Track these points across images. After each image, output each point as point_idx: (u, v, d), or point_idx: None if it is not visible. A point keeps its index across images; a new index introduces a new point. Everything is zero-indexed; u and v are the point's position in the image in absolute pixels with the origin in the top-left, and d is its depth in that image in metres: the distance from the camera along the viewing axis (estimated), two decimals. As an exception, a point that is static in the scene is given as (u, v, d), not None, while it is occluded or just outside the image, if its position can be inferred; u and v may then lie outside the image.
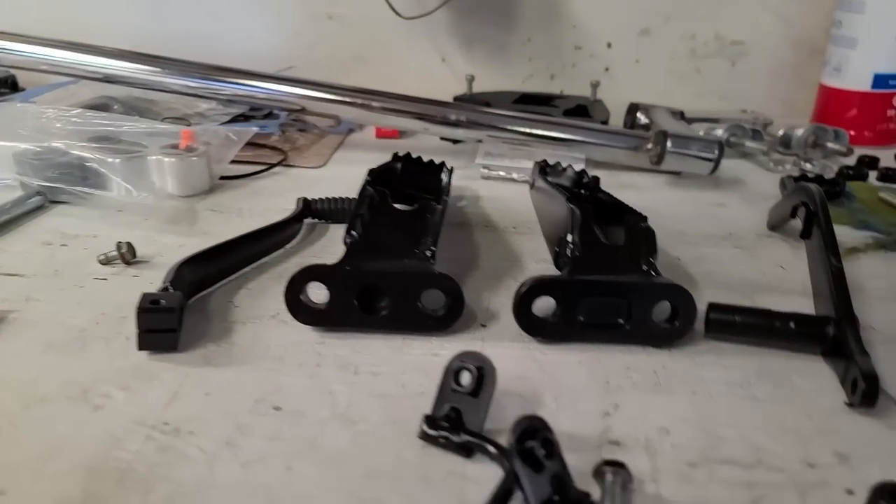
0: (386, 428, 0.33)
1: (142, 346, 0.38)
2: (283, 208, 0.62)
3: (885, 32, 0.83)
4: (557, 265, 0.45)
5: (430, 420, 0.32)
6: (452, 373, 0.32)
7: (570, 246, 0.42)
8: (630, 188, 0.73)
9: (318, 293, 0.41)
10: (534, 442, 0.27)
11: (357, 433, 0.33)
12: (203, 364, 0.38)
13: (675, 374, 0.39)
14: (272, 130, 0.83)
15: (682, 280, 0.50)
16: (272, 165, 0.74)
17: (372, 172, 0.52)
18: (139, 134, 0.69)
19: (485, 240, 0.58)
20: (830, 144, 0.80)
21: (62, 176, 0.61)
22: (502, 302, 0.46)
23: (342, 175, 0.74)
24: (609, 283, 0.40)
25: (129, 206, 0.60)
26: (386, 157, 0.64)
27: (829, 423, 0.34)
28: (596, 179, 0.64)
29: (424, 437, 0.32)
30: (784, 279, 0.51)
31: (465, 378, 0.33)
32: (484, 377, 0.32)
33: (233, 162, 0.70)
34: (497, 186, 0.72)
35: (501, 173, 0.74)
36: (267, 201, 0.65)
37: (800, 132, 0.83)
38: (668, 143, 0.69)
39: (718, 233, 0.61)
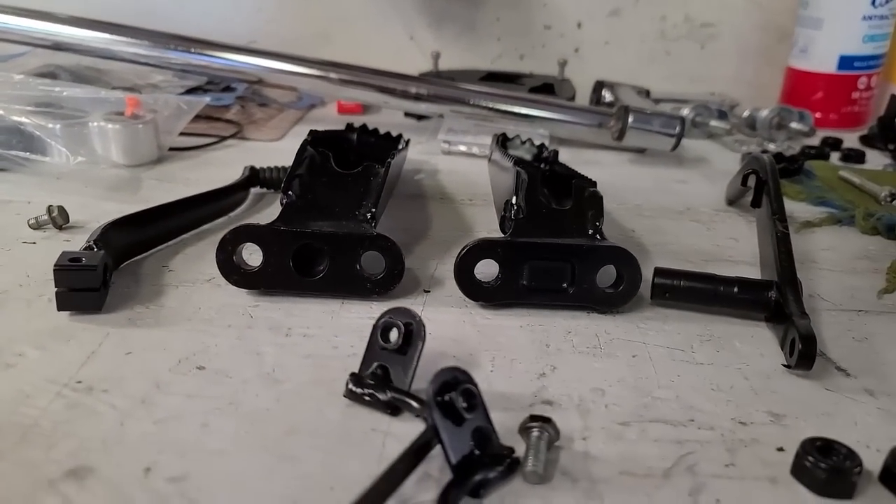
0: (311, 387, 0.32)
1: (61, 306, 0.36)
2: (234, 178, 0.60)
3: (851, 13, 0.83)
4: (502, 229, 0.44)
5: (356, 378, 0.31)
6: (380, 329, 0.31)
7: (514, 208, 0.40)
8: (593, 164, 0.72)
9: (253, 256, 0.40)
10: (454, 394, 0.26)
11: (281, 392, 0.32)
12: (127, 325, 0.36)
13: (616, 337, 0.38)
14: (227, 102, 0.80)
15: (634, 250, 0.49)
16: (225, 137, 0.72)
17: (314, 133, 0.51)
18: (83, 100, 0.66)
19: (438, 211, 0.57)
20: (794, 125, 0.79)
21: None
22: (448, 269, 0.45)
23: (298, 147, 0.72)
24: (552, 246, 0.39)
25: (69, 173, 0.58)
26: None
27: (766, 384, 0.34)
28: (555, 153, 0.63)
29: (350, 395, 0.31)
30: (736, 250, 0.51)
31: (394, 335, 0.31)
32: (412, 334, 0.31)
33: (185, 134, 0.69)
34: (457, 161, 0.71)
35: (462, 148, 0.72)
36: (216, 172, 0.63)
37: (764, 113, 0.83)
38: (630, 119, 0.68)
39: (676, 207, 0.60)
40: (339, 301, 0.40)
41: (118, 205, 0.53)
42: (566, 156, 0.75)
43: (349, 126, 0.64)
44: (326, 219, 0.41)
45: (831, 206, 0.60)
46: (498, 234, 0.48)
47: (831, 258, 0.50)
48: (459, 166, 0.69)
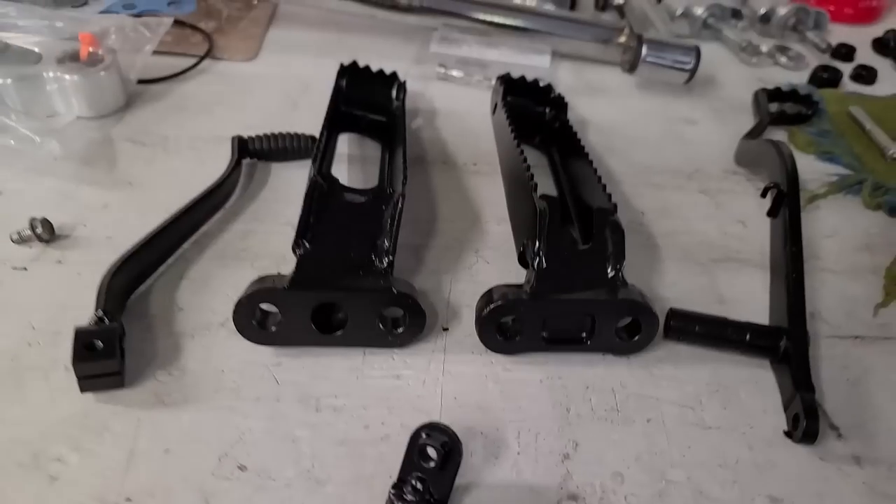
0: (353, 489, 0.34)
1: (84, 388, 0.36)
2: (215, 135, 0.56)
3: None
4: (521, 262, 0.43)
5: (398, 491, 0.32)
6: (417, 449, 0.32)
7: (536, 258, 0.39)
8: (598, 93, 0.68)
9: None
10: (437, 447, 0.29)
11: (326, 498, 0.33)
12: (155, 404, 0.37)
13: (632, 392, 0.39)
14: (189, 9, 0.71)
15: (646, 247, 0.50)
16: (197, 62, 0.65)
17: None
18: (26, 31, 0.58)
19: (443, 185, 0.54)
20: (810, 34, 0.74)
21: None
22: (463, 290, 0.45)
23: (277, 71, 0.66)
24: (574, 302, 0.39)
25: (35, 143, 0.53)
26: (326, 37, 0.59)
27: (768, 456, 0.37)
28: (562, 104, 0.59)
29: (392, 507, 0.33)
30: (744, 241, 0.51)
31: (432, 452, 0.32)
32: (450, 452, 0.32)
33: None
34: (454, 93, 0.66)
35: (459, 74, 0.67)
36: (195, 123, 0.58)
37: (782, 11, 0.77)
38: (643, 50, 0.63)
39: (685, 168, 0.58)
40: (360, 353, 0.40)
41: (98, 191, 0.50)
42: (569, 76, 0.70)
43: (341, 69, 0.59)
44: (343, 269, 0.39)
45: (839, 162, 0.60)
46: (506, 232, 0.48)
47: (833, 250, 0.51)
48: (457, 104, 0.64)
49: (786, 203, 0.45)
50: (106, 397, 0.37)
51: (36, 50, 0.56)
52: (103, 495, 0.33)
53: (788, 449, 0.37)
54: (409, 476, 0.33)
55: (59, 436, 0.35)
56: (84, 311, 0.40)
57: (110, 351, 0.36)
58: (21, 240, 0.45)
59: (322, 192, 0.41)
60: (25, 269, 0.44)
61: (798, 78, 0.73)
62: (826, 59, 0.76)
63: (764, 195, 0.48)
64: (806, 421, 0.36)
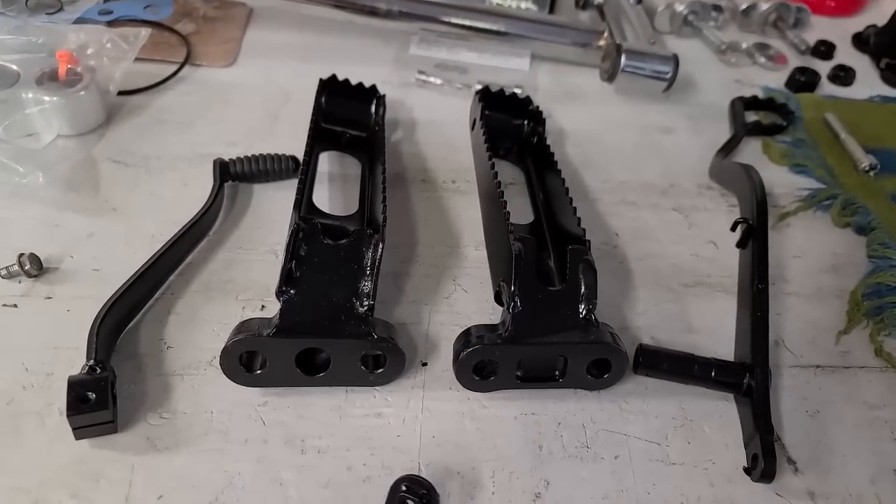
0: (337, 534, 0.36)
1: (79, 436, 0.38)
2: (197, 153, 0.57)
3: None
4: (497, 301, 0.45)
5: (378, 538, 0.35)
6: (398, 500, 0.34)
7: (511, 302, 0.41)
8: (576, 98, 0.69)
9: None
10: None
11: (310, 543, 0.36)
12: (148, 450, 0.38)
13: (602, 428, 0.42)
14: (166, 15, 0.70)
15: (618, 272, 0.51)
16: (175, 71, 0.65)
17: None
18: (2, 48, 0.57)
19: (422, 205, 0.55)
20: (790, 34, 0.75)
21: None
22: (441, 322, 0.47)
23: (256, 79, 0.66)
24: (548, 344, 0.41)
25: (10, 161, 0.52)
26: (304, 40, 0.59)
27: (727, 492, 0.39)
28: (540, 118, 0.60)
29: (373, 552, 0.35)
30: (714, 263, 0.52)
31: (411, 502, 0.35)
32: (428, 502, 0.34)
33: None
34: (434, 101, 0.66)
35: (438, 81, 0.67)
36: (176, 139, 0.58)
37: (763, 6, 0.77)
38: (622, 60, 0.63)
39: (660, 183, 0.60)
40: (343, 391, 0.42)
41: (83, 218, 0.51)
42: (547, 78, 0.71)
43: (321, 84, 0.59)
44: (325, 313, 0.40)
45: (811, 175, 0.61)
46: (481, 260, 0.49)
47: (800, 271, 0.53)
48: (437, 113, 0.65)
49: (754, 237, 0.47)
50: (100, 442, 0.38)
51: (14, 68, 0.56)
52: (102, 545, 0.35)
53: (747, 485, 0.40)
54: (389, 523, 0.35)
55: (57, 483, 0.36)
56: (75, 351, 0.41)
57: (103, 401, 0.37)
58: (10, 275, 0.46)
59: (305, 236, 0.42)
60: (16, 305, 0.45)
61: (776, 79, 0.74)
62: (806, 59, 0.76)
63: (734, 229, 0.50)
64: (764, 461, 0.38)
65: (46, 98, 0.54)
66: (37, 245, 0.47)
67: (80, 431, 0.38)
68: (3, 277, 0.46)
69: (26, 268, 0.45)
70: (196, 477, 0.37)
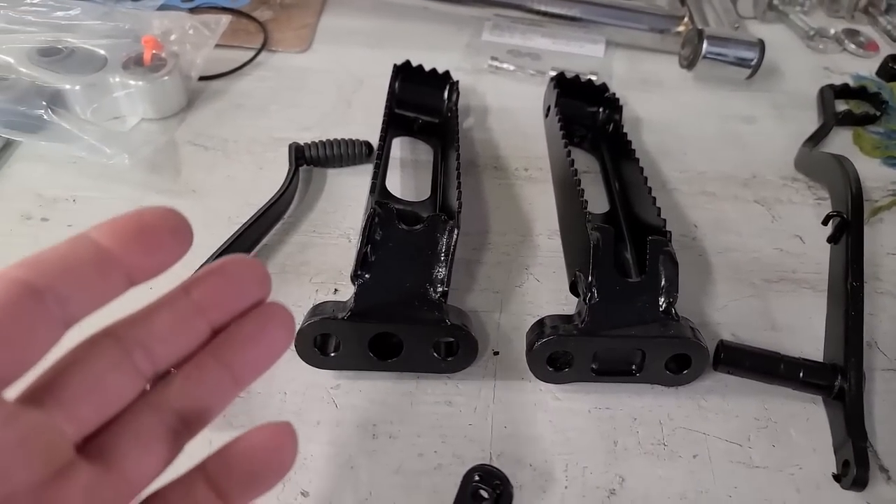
0: (408, 520, 0.36)
1: (161, 411, 0.39)
2: (272, 137, 0.58)
3: None
4: (573, 291, 0.44)
5: (451, 526, 0.35)
6: (470, 490, 0.34)
7: (588, 292, 0.40)
8: (653, 87, 0.66)
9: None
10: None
11: (382, 528, 0.36)
12: (225, 426, 0.39)
13: (679, 426, 0.40)
14: (243, 2, 0.71)
15: (697, 265, 0.49)
16: (253, 57, 0.66)
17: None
18: (91, 33, 0.59)
19: (494, 193, 0.54)
20: (881, 20, 0.70)
21: (11, 105, 0.53)
22: (513, 311, 0.46)
23: (330, 65, 0.67)
24: (625, 338, 0.40)
25: (98, 143, 0.54)
26: (377, 25, 0.60)
27: (815, 499, 0.37)
28: (616, 105, 0.58)
29: (445, 541, 0.35)
30: (800, 259, 0.50)
31: (484, 494, 0.34)
32: (501, 494, 0.34)
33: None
34: (507, 88, 0.65)
35: (511, 68, 0.66)
36: (253, 124, 0.59)
37: (853, -9, 0.73)
38: (704, 46, 0.61)
39: (741, 174, 0.57)
40: (415, 378, 0.42)
41: (166, 199, 0.52)
42: (624, 66, 0.69)
43: (395, 69, 0.59)
44: (399, 298, 0.40)
45: (906, 168, 0.57)
46: (557, 250, 0.48)
47: (895, 269, 0.50)
48: (510, 100, 0.64)
49: (849, 232, 0.44)
50: (180, 418, 0.39)
51: (101, 52, 0.57)
52: (182, 517, 0.35)
53: (835, 492, 0.38)
54: (462, 511, 0.35)
55: (139, 456, 0.38)
56: (156, 330, 0.42)
57: (183, 379, 0.38)
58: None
59: (380, 221, 0.42)
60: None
61: (868, 67, 0.70)
62: (901, 43, 0.72)
63: (826, 223, 0.47)
64: (856, 469, 0.36)
65: (132, 82, 0.56)
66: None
67: (161, 406, 0.39)
68: (90, 255, 0.47)
69: (112, 246, 0.47)
70: (271, 455, 0.38)
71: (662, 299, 0.41)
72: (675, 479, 0.38)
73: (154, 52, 0.57)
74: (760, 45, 0.61)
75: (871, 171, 0.58)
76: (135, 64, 0.57)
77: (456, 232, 0.42)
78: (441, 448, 0.39)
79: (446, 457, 0.38)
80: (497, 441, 0.39)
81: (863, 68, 0.70)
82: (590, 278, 0.40)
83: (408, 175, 0.56)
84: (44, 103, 0.53)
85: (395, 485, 0.37)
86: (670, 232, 0.43)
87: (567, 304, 0.46)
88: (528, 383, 0.42)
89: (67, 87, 0.55)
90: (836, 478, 0.38)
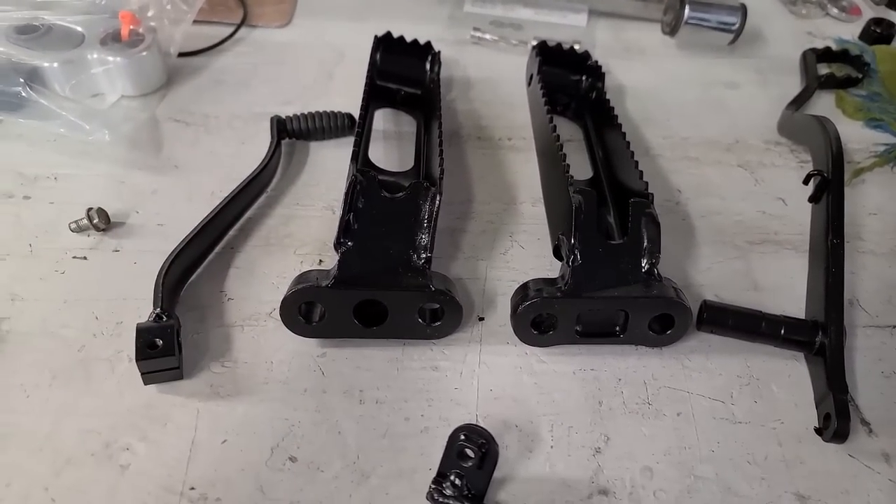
0: (396, 482, 0.36)
1: (147, 382, 0.39)
2: (253, 112, 0.57)
3: None
4: (556, 255, 0.44)
5: (437, 485, 0.35)
6: (456, 450, 0.34)
7: (571, 255, 0.40)
8: (636, 55, 0.66)
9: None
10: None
11: (370, 490, 0.36)
12: (212, 395, 0.39)
13: (663, 385, 0.41)
14: (224, -24, 0.70)
15: (680, 229, 0.50)
16: (232, 32, 0.65)
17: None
18: (68, 10, 0.59)
19: (478, 162, 0.54)
20: (866, -17, 0.70)
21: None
22: (498, 277, 0.46)
23: (310, 39, 0.66)
24: (608, 298, 0.40)
25: (78, 119, 0.54)
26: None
27: (797, 452, 0.38)
28: (599, 73, 0.58)
29: (432, 500, 0.35)
30: (783, 220, 0.50)
31: (470, 453, 0.34)
32: (487, 452, 0.34)
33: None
34: (489, 58, 0.65)
35: (493, 38, 0.66)
36: (233, 98, 0.59)
37: (836, -45, 0.73)
38: (685, 11, 0.60)
39: (724, 139, 0.57)
40: (400, 345, 0.42)
41: (147, 175, 0.52)
42: (607, 35, 0.69)
43: (375, 41, 0.58)
44: (383, 265, 0.40)
45: (887, 130, 0.58)
46: (540, 212, 0.48)
47: (877, 229, 0.50)
48: (492, 70, 0.63)
49: (829, 190, 0.45)
50: (167, 388, 0.39)
51: (79, 29, 0.57)
52: (170, 484, 0.36)
53: (818, 445, 0.38)
54: (448, 472, 0.35)
55: (127, 427, 0.38)
56: (142, 301, 0.42)
57: (170, 348, 0.38)
58: (79, 229, 0.47)
59: (363, 189, 0.42)
60: (85, 258, 0.46)
61: (851, 31, 0.70)
62: (881, 10, 0.72)
63: (807, 182, 0.47)
64: (837, 422, 0.37)
65: (110, 58, 0.55)
66: (104, 201, 0.48)
67: (148, 377, 0.39)
68: (73, 231, 0.47)
69: (94, 221, 0.47)
70: (258, 424, 0.38)
71: (645, 260, 0.41)
72: (658, 436, 0.38)
73: (131, 27, 0.57)
74: (742, 10, 0.61)
75: (853, 133, 0.58)
76: (112, 40, 0.56)
77: (438, 198, 0.42)
78: (427, 411, 0.39)
79: (433, 420, 0.39)
80: (483, 404, 0.40)
81: (846, 32, 0.70)
82: (572, 241, 0.41)
83: (391, 146, 0.56)
84: (21, 80, 0.53)
85: (382, 448, 0.37)
86: (652, 194, 0.43)
87: (552, 271, 0.46)
88: (513, 347, 0.42)
89: (45, 64, 0.54)
90: (818, 431, 0.38)
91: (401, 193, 0.42)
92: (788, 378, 0.41)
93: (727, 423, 0.39)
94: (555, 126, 0.48)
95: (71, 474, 0.36)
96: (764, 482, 0.37)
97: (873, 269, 0.47)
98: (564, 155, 0.45)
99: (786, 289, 0.46)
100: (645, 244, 0.41)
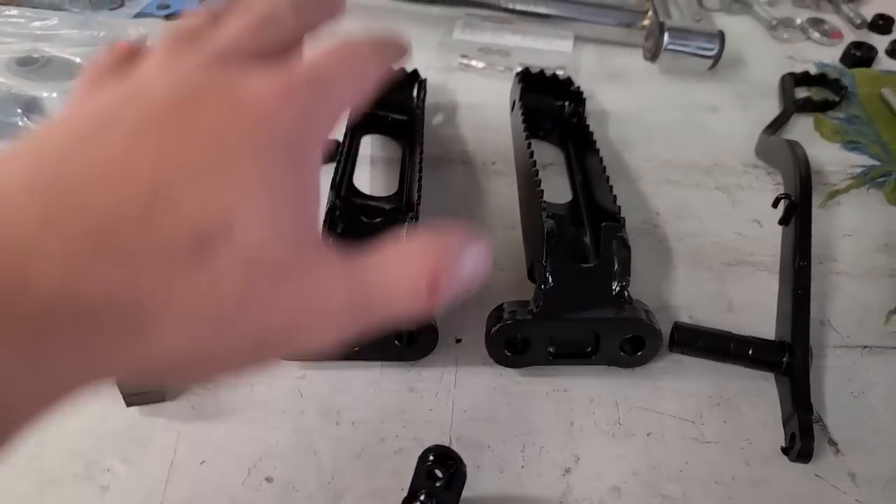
0: (369, 502, 0.37)
1: (129, 404, 0.40)
2: None
3: None
4: (530, 277, 0.45)
5: (408, 505, 0.36)
6: (425, 470, 0.35)
7: (543, 279, 0.41)
8: (620, 79, 0.68)
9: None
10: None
11: (343, 509, 0.37)
12: (192, 418, 0.40)
13: (635, 405, 0.41)
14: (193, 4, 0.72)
15: (657, 251, 0.51)
16: (225, 61, 0.67)
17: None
18: (67, 42, 0.61)
19: (461, 187, 0.56)
20: (844, 8, 0.72)
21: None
22: (477, 299, 0.47)
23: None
24: (579, 320, 0.41)
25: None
26: (350, 25, 0.58)
27: (764, 472, 0.38)
28: (580, 98, 0.59)
29: (403, 520, 0.36)
30: (758, 242, 0.51)
31: (439, 473, 0.35)
32: (455, 473, 0.35)
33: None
34: (476, 85, 0.66)
35: (480, 65, 0.67)
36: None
37: (817, -21, 0.74)
38: (665, 39, 0.62)
39: (704, 162, 0.58)
40: (378, 366, 0.43)
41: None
42: (591, 59, 0.70)
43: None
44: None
45: (864, 152, 0.59)
46: (516, 238, 0.49)
47: (851, 251, 0.51)
48: (479, 96, 0.65)
49: (797, 213, 0.46)
50: (149, 410, 0.41)
51: (77, 60, 0.59)
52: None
53: (784, 465, 0.39)
54: (418, 491, 0.36)
55: (108, 448, 0.39)
56: (127, 327, 0.44)
57: (150, 372, 0.39)
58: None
59: (342, 214, 0.43)
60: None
61: (831, 54, 0.71)
62: (862, 34, 0.73)
63: (775, 205, 0.48)
64: (801, 442, 0.37)
65: (104, 89, 0.57)
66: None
67: (130, 399, 0.40)
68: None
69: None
70: (236, 444, 0.39)
71: (616, 283, 0.42)
72: (628, 456, 0.39)
73: (126, 58, 0.58)
74: (720, 36, 0.62)
75: (831, 155, 0.59)
76: (107, 70, 0.58)
77: (415, 223, 0.43)
78: (402, 432, 0.40)
79: (407, 441, 0.40)
80: (457, 424, 0.40)
81: (827, 56, 0.71)
82: (544, 264, 0.42)
83: (377, 172, 0.57)
84: (19, 111, 0.55)
85: (356, 468, 0.38)
86: (624, 218, 0.44)
87: (529, 293, 0.47)
88: (489, 368, 0.43)
89: (44, 94, 0.56)
90: (784, 451, 0.39)
91: (378, 219, 0.44)
92: (758, 398, 0.42)
93: (696, 442, 0.40)
94: (532, 152, 0.50)
95: (54, 494, 0.37)
96: (731, 501, 0.37)
97: (846, 290, 0.48)
98: (539, 181, 0.46)
99: (759, 309, 0.46)
100: (616, 267, 0.42)
